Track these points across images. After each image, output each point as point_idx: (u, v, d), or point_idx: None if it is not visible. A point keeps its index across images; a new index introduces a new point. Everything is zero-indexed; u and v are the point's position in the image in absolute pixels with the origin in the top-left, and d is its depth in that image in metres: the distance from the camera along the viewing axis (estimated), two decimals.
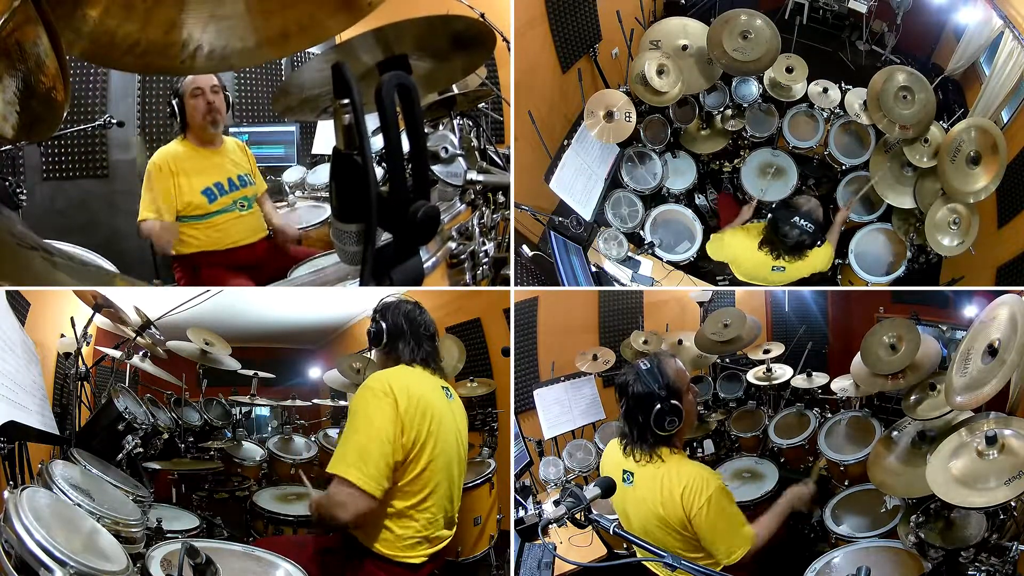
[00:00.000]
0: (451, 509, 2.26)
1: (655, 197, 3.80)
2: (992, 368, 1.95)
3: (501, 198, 2.49)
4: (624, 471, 2.22)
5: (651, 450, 2.14)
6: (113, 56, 1.23)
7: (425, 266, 2.14)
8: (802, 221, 2.97)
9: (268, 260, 3.32)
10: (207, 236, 3.13)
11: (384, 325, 2.24)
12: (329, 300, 4.86)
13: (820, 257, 3.14)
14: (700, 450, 3.65)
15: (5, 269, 0.98)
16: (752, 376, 3.76)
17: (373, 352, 2.30)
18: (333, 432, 4.02)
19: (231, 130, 3.37)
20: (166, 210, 3.02)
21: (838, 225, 3.39)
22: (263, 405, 4.60)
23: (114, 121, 3.52)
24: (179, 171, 3.05)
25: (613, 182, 3.70)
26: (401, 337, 2.24)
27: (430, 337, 2.32)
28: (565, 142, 3.52)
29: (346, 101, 1.24)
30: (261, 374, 4.37)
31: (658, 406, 2.06)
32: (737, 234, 3.19)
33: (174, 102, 3.12)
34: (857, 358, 2.93)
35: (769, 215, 3.07)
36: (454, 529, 2.32)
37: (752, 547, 2.09)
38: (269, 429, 5.17)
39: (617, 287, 3.49)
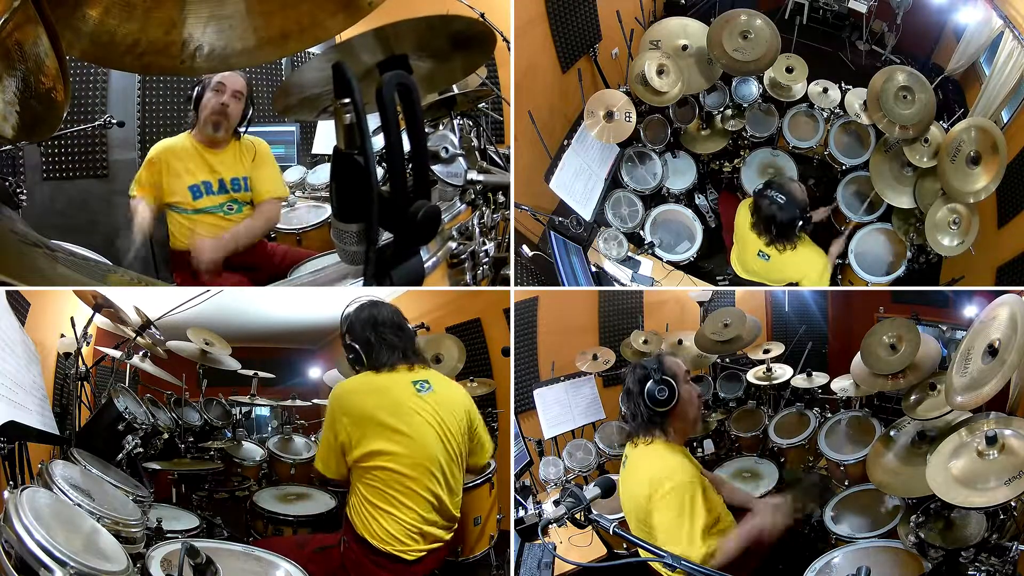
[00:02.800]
0: (444, 504, 2.25)
1: (655, 197, 3.80)
2: (992, 368, 1.95)
3: (501, 198, 2.49)
4: (624, 456, 2.34)
5: (648, 431, 2.24)
6: (113, 56, 1.24)
7: (425, 266, 2.14)
8: (773, 192, 2.89)
9: (266, 261, 3.31)
10: (194, 233, 3.13)
11: (357, 346, 2.29)
12: (329, 300, 4.85)
13: (806, 262, 3.02)
14: (700, 450, 3.65)
15: (8, 265, 0.98)
16: (752, 376, 3.76)
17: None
18: None
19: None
20: (153, 198, 3.04)
21: (835, 250, 3.32)
22: (263, 405, 4.60)
23: (114, 121, 3.52)
24: (168, 168, 3.06)
25: (613, 182, 3.70)
26: (373, 347, 2.28)
27: (398, 328, 2.33)
28: (565, 142, 3.52)
29: (347, 101, 1.24)
30: (261, 374, 4.36)
31: (651, 381, 2.21)
32: (744, 207, 3.18)
33: (196, 90, 3.13)
34: (857, 358, 2.93)
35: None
36: (454, 525, 2.32)
37: (710, 558, 2.00)
38: (269, 429, 5.17)
39: (617, 287, 3.49)
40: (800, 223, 2.93)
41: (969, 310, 3.30)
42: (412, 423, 2.18)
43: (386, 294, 2.41)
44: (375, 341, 2.27)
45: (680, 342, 3.98)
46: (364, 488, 2.17)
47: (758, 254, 3.05)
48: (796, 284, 3.13)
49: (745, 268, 3.23)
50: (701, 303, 4.26)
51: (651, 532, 2.11)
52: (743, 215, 3.12)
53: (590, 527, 2.59)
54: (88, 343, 3.04)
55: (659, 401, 2.20)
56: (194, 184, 3.10)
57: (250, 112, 3.24)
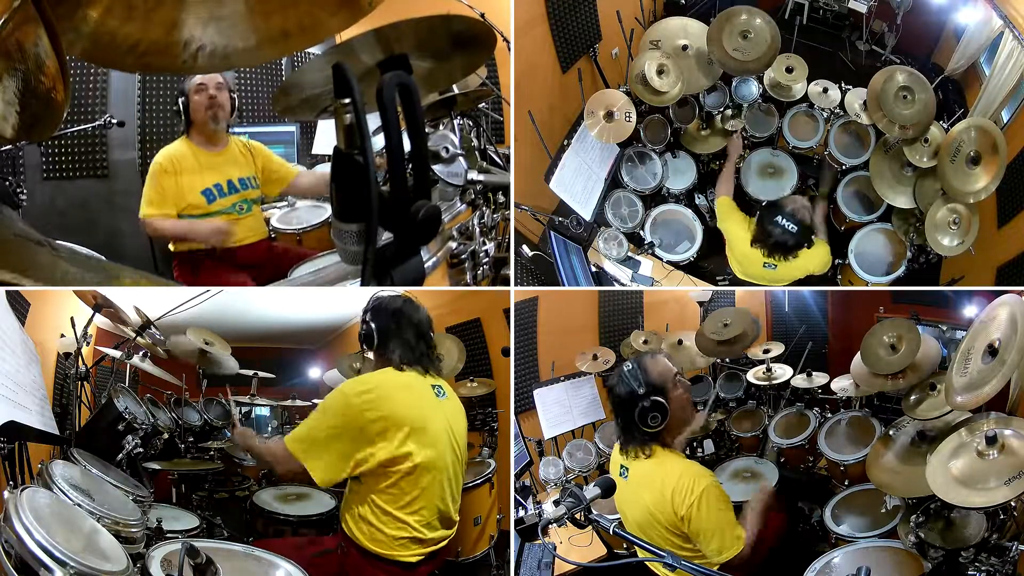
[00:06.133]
0: (448, 509, 2.25)
1: (655, 197, 3.80)
2: (992, 368, 1.95)
3: (501, 198, 2.49)
4: (621, 466, 2.27)
5: (642, 446, 2.19)
6: (114, 56, 1.23)
7: (426, 266, 2.14)
8: (784, 221, 2.95)
9: (268, 261, 3.32)
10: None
11: (374, 326, 2.22)
12: (329, 300, 4.86)
13: (812, 260, 3.11)
14: (700, 450, 3.65)
15: (11, 263, 0.98)
16: (752, 376, 3.76)
17: (367, 353, 2.29)
18: None
19: (231, 130, 3.37)
20: (172, 208, 3.02)
21: (820, 219, 3.38)
22: (263, 405, 4.60)
23: (114, 121, 3.52)
24: (181, 170, 3.05)
25: (613, 182, 3.70)
26: (392, 338, 2.22)
27: (423, 335, 2.30)
28: (565, 142, 3.51)
29: (347, 101, 1.24)
30: (261, 374, 4.36)
31: (640, 404, 2.12)
32: (736, 223, 3.21)
33: (180, 101, 3.13)
34: (857, 358, 2.93)
35: (757, 213, 3.08)
36: (453, 529, 2.31)
37: (742, 550, 2.10)
38: (269, 429, 5.17)
39: (617, 287, 3.48)
40: (806, 241, 3.02)
41: (969, 310, 3.30)
42: (435, 427, 2.16)
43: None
44: (393, 333, 2.23)
45: (680, 342, 3.98)
46: (376, 494, 2.08)
47: (764, 265, 3.11)
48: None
49: (750, 276, 3.24)
50: (701, 303, 4.25)
51: (693, 536, 2.10)
52: (739, 235, 3.14)
53: (590, 527, 2.60)
54: (88, 343, 3.04)
55: (651, 426, 2.14)
56: (206, 188, 3.10)
57: (236, 102, 3.27)
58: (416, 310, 2.31)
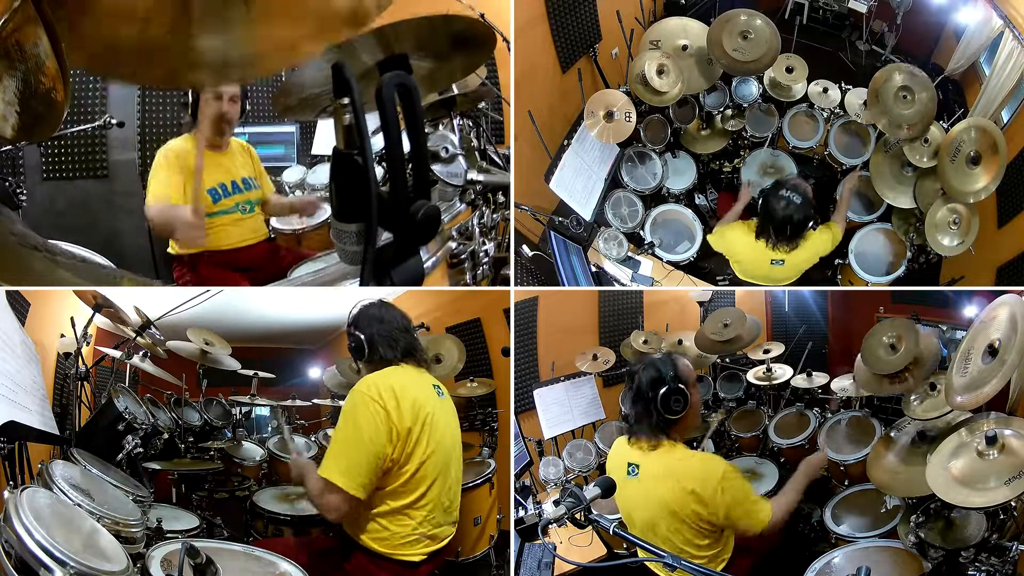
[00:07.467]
0: (450, 506, 2.26)
1: (655, 197, 3.80)
2: (992, 368, 1.95)
3: (501, 198, 2.49)
4: (629, 464, 2.25)
5: (656, 436, 2.19)
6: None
7: (425, 266, 2.14)
8: (788, 193, 2.90)
9: (268, 262, 3.32)
10: (208, 236, 3.12)
11: (362, 337, 2.25)
12: (329, 300, 4.85)
13: (819, 242, 3.07)
14: (700, 450, 3.65)
15: (6, 269, 0.98)
16: (752, 376, 3.76)
17: (361, 364, 2.32)
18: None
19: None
20: (179, 199, 3.01)
21: (845, 199, 3.32)
22: (263, 405, 4.60)
23: (114, 121, 3.52)
24: (186, 168, 3.04)
25: (613, 182, 3.70)
26: (378, 341, 2.25)
27: (404, 329, 2.31)
28: (565, 142, 3.52)
29: (346, 101, 1.23)
30: (261, 374, 4.36)
31: (665, 387, 2.14)
32: (736, 228, 3.18)
33: (189, 94, 3.12)
34: (859, 360, 2.93)
35: (759, 202, 3.06)
36: (455, 526, 2.32)
37: (773, 518, 2.15)
38: (269, 429, 5.17)
39: (617, 287, 3.49)
40: (812, 222, 2.99)
41: (969, 310, 3.30)
42: (439, 424, 2.18)
43: (386, 294, 2.40)
44: (378, 336, 2.25)
45: (680, 342, 3.98)
46: (385, 492, 2.07)
47: (772, 262, 3.06)
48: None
49: (758, 277, 3.22)
50: (701, 303, 4.25)
51: (727, 519, 2.12)
52: (743, 238, 3.11)
53: (590, 527, 2.60)
54: (88, 343, 3.04)
55: (673, 411, 2.16)
56: (212, 187, 3.09)
57: (247, 108, 3.27)
58: (391, 309, 2.35)
